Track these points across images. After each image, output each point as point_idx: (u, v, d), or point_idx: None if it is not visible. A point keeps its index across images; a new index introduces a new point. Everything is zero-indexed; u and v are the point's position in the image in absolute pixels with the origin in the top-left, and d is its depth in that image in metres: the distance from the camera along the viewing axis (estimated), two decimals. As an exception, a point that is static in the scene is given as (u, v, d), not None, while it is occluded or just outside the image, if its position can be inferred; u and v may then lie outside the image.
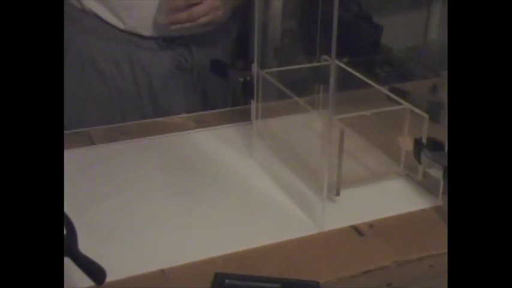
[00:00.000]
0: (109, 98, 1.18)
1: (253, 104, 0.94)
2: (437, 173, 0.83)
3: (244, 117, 1.01)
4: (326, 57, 0.95)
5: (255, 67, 0.91)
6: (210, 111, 1.09)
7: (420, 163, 0.84)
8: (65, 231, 0.65)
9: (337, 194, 0.82)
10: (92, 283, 0.65)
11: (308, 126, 0.95)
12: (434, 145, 0.82)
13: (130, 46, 1.16)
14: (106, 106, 1.18)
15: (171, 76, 1.19)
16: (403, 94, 0.91)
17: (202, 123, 1.03)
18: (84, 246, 0.66)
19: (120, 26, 1.15)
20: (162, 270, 0.71)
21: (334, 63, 0.73)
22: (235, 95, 1.47)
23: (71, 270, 0.66)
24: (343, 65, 0.94)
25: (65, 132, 1.06)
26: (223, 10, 1.14)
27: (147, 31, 1.15)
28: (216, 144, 0.97)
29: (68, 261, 0.65)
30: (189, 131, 1.01)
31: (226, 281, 0.68)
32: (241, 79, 0.94)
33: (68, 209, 0.68)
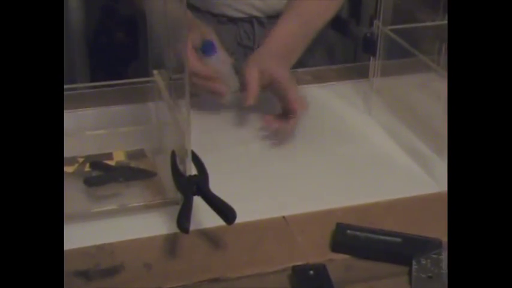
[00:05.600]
0: None
1: (373, 61, 0.93)
2: None
3: (361, 74, 1.00)
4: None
5: (377, 23, 0.90)
6: (327, 67, 1.09)
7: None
8: (196, 172, 0.68)
9: (460, 154, 0.80)
10: (218, 223, 0.68)
11: (427, 86, 0.93)
12: None
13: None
14: None
15: None
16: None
17: (319, 79, 1.03)
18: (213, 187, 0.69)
19: None
20: (284, 217, 0.73)
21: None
22: (350, 51, 1.45)
23: (200, 210, 0.70)
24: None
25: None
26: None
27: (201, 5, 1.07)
28: (334, 100, 0.97)
29: (198, 200, 0.69)
30: (306, 85, 1.01)
31: (348, 231, 0.69)
32: (363, 35, 0.94)
33: (199, 151, 0.72)
